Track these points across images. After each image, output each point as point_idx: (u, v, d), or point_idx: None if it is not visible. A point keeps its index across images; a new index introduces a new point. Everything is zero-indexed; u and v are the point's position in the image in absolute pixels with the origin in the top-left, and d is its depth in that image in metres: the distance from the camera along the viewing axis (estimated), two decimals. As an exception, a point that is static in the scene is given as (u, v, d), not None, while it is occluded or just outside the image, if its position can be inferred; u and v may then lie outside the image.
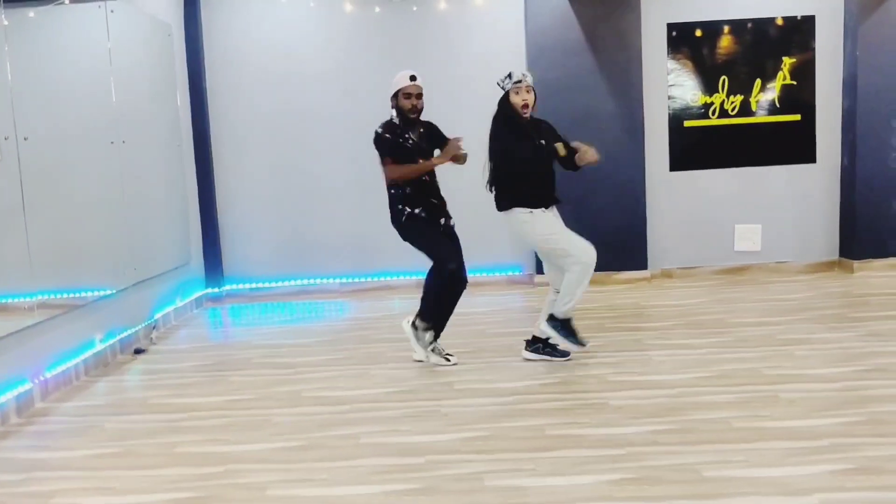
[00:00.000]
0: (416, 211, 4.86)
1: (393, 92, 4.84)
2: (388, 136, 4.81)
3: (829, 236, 7.43)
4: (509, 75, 4.64)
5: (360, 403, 4.25)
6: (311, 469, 3.41)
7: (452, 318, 5.01)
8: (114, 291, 5.45)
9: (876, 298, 6.19)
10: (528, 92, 4.63)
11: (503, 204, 4.72)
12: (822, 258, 7.42)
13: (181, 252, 6.73)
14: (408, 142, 4.83)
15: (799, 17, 7.20)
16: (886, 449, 3.33)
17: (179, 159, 6.78)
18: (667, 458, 3.36)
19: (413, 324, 4.96)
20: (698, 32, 7.23)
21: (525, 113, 4.63)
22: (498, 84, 4.68)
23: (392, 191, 4.89)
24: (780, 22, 7.20)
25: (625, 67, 7.10)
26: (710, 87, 7.28)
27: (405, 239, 4.92)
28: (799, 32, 7.22)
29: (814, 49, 7.23)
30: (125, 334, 5.62)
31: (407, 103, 4.78)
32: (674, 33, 7.24)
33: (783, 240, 7.41)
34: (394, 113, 4.87)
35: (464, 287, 4.88)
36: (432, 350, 4.93)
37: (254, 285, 7.47)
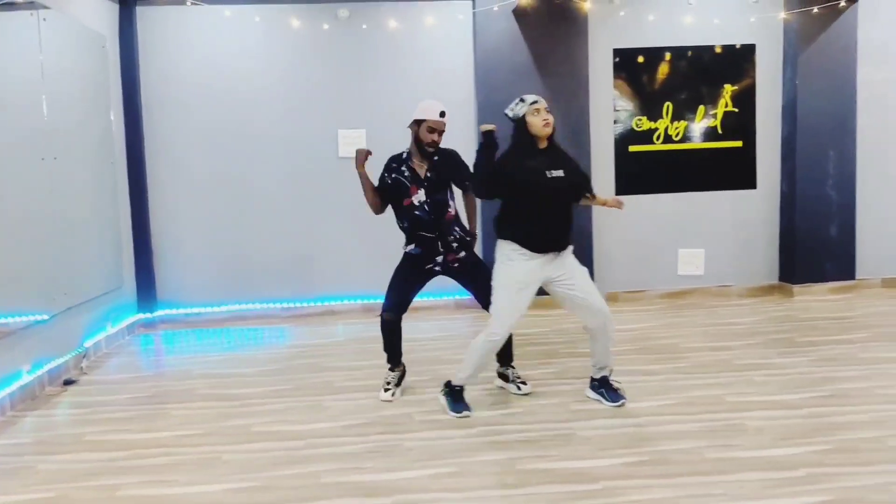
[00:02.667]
0: (409, 248, 4.68)
1: (416, 119, 4.56)
2: (382, 169, 4.70)
3: (770, 261, 7.54)
4: (521, 100, 4.24)
5: (316, 438, 4.03)
6: (269, 513, 3.18)
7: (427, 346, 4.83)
8: (45, 318, 5.07)
9: (821, 323, 6.27)
10: (548, 111, 4.22)
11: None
12: (762, 282, 7.53)
13: (113, 275, 6.35)
14: (402, 174, 4.61)
15: (738, 46, 7.33)
16: (864, 479, 3.30)
17: (112, 177, 6.41)
18: (644, 492, 3.25)
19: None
20: (643, 59, 7.28)
21: (547, 131, 4.20)
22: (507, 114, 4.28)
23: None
24: (718, 50, 7.31)
25: (572, 91, 7.08)
26: (655, 113, 7.33)
27: None
28: (741, 60, 7.35)
29: (754, 77, 7.36)
30: (54, 364, 5.23)
31: (428, 137, 4.53)
32: (619, 59, 7.27)
33: (725, 264, 7.48)
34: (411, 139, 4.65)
35: (392, 327, 4.69)
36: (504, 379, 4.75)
37: (189, 310, 7.10)
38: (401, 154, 4.71)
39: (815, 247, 7.29)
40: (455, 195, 4.75)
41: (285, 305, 7.18)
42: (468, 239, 4.75)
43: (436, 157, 4.62)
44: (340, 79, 7.04)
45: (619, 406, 4.35)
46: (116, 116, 6.63)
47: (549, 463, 3.59)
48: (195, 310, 7.10)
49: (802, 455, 3.57)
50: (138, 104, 6.86)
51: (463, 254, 4.69)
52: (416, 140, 4.61)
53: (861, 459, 3.51)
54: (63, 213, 5.42)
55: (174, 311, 7.08)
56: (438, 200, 4.60)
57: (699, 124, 7.37)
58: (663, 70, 7.31)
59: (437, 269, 4.70)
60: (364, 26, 6.92)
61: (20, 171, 5.00)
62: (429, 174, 4.59)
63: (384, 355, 4.79)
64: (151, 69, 6.90)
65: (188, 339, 6.62)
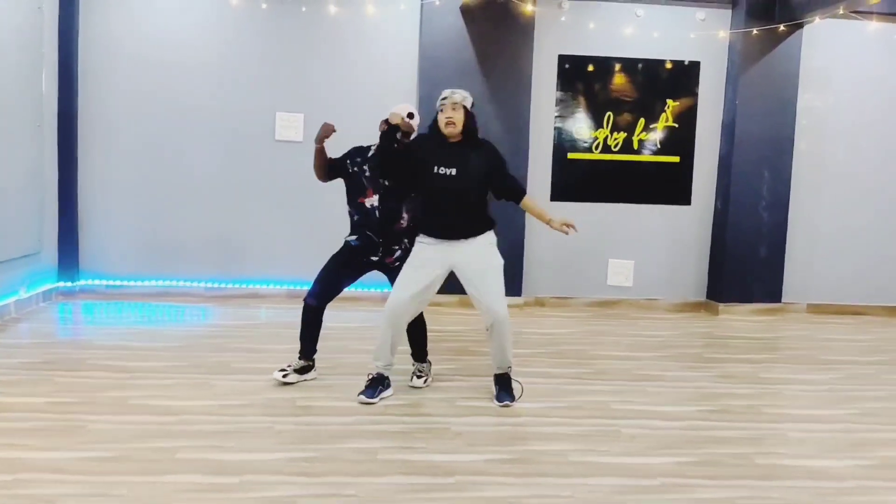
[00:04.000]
0: (350, 238, 4.60)
1: (384, 122, 4.41)
2: (345, 152, 4.59)
3: (699, 278, 7.58)
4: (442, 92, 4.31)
5: (190, 415, 3.98)
6: (110, 483, 3.13)
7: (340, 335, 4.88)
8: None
9: (735, 341, 6.32)
10: (453, 109, 4.23)
11: None
12: (690, 298, 7.57)
13: (30, 240, 6.27)
14: (363, 173, 4.53)
15: (686, 63, 7.36)
16: (715, 491, 3.32)
17: (38, 140, 6.33)
18: (493, 489, 3.24)
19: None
20: (587, 67, 7.29)
21: (448, 130, 4.25)
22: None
23: None
24: (669, 66, 7.34)
25: (513, 93, 7.09)
26: (595, 122, 7.35)
27: None
28: (685, 76, 7.38)
29: (697, 94, 7.40)
30: (-50, 324, 5.16)
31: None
32: (566, 65, 7.28)
33: (654, 277, 7.51)
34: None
35: (315, 315, 4.61)
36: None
37: (112, 282, 7.02)
38: (367, 148, 4.57)
39: (743, 267, 7.34)
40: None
41: (210, 285, 7.12)
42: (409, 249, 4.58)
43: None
44: (280, 61, 6.99)
45: (502, 406, 4.33)
46: (50, 79, 6.55)
47: (410, 454, 3.57)
48: (118, 282, 7.03)
49: (664, 465, 3.58)
50: (74, 69, 6.77)
51: (400, 254, 4.58)
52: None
53: (720, 473, 3.52)
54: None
55: (96, 282, 7.00)
56: (391, 209, 4.51)
57: (639, 136, 7.39)
58: (607, 80, 7.33)
59: (374, 265, 4.63)
60: (303, 9, 6.87)
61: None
62: (387, 181, 4.47)
63: (294, 342, 4.67)
64: (90, 35, 6.82)
65: (106, 310, 6.54)
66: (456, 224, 4.29)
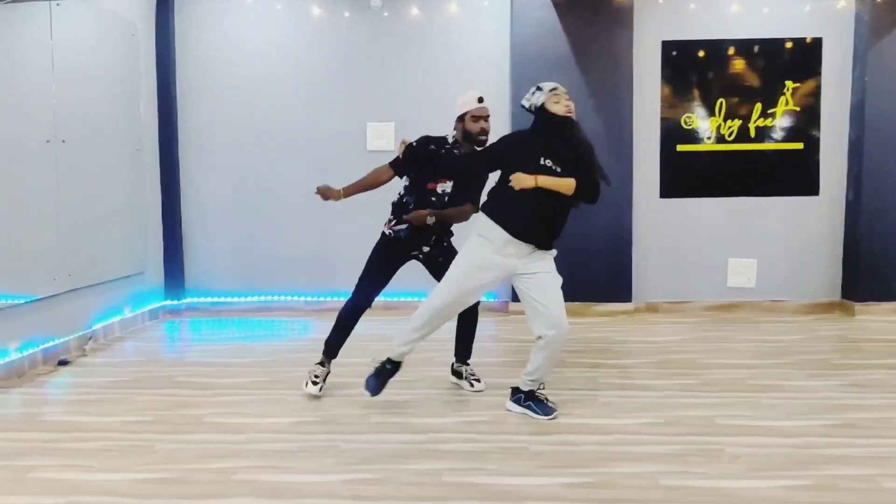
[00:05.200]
0: (398, 228, 4.47)
1: (459, 115, 4.39)
2: (414, 143, 4.36)
3: (831, 276, 6.85)
4: (538, 87, 4.01)
5: (259, 433, 3.84)
6: (158, 507, 3.01)
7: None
8: (35, 297, 5.12)
9: (870, 345, 5.62)
10: (569, 98, 4.00)
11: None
12: (821, 298, 6.85)
13: (133, 261, 6.41)
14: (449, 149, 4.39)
15: (804, 40, 6.69)
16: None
17: (138, 165, 6.48)
18: (564, 518, 2.89)
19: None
20: (694, 52, 6.76)
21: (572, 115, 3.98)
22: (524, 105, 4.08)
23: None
24: (789, 45, 6.69)
25: (614, 85, 6.66)
26: (706, 111, 6.80)
27: None
28: (805, 56, 6.72)
29: (820, 74, 6.71)
30: (51, 343, 5.29)
31: (476, 127, 4.32)
32: (672, 52, 6.78)
33: (780, 277, 6.85)
34: (453, 135, 4.43)
35: (354, 315, 4.59)
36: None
37: (216, 299, 7.12)
38: (443, 137, 4.45)
39: (882, 262, 6.56)
40: None
41: (308, 298, 7.08)
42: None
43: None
44: (367, 70, 6.88)
45: (552, 418, 4.00)
46: (150, 106, 6.71)
47: (480, 477, 3.27)
48: (222, 299, 7.11)
49: (769, 490, 3.11)
50: (173, 95, 6.92)
51: (445, 244, 4.54)
52: (466, 135, 4.37)
53: (838, 500, 3.01)
54: (72, 197, 5.48)
55: (201, 300, 7.11)
56: (459, 198, 4.40)
57: (756, 123, 6.78)
58: (716, 64, 6.76)
59: (420, 256, 4.53)
60: (385, 14, 6.72)
61: (24, 153, 5.07)
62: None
63: (377, 355, 4.43)
64: (187, 60, 6.95)
65: (210, 327, 6.61)
66: (545, 227, 3.97)
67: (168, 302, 7.02)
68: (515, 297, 6.60)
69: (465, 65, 6.81)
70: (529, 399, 4.10)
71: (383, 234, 4.55)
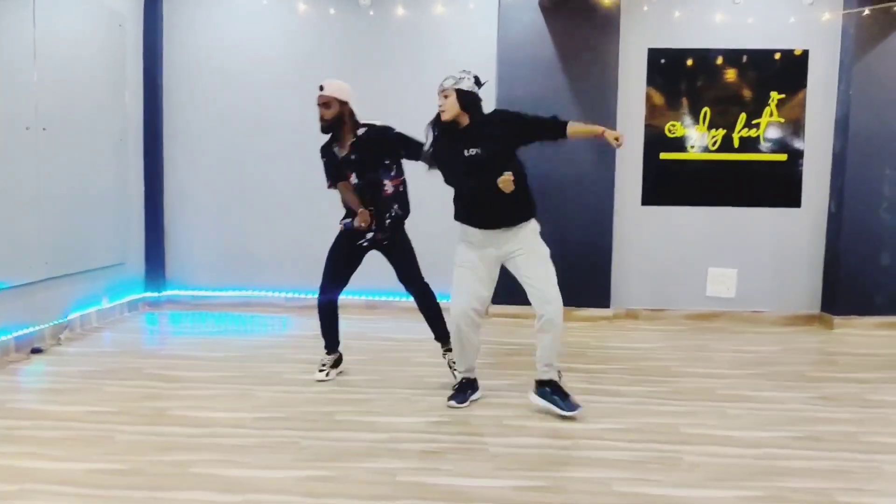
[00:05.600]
0: (345, 221, 4.66)
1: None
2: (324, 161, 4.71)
3: (811, 288, 6.85)
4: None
5: (220, 427, 3.84)
6: (112, 498, 3.01)
7: (381, 346, 4.96)
8: (9, 285, 5.11)
9: (846, 358, 5.62)
10: (445, 97, 4.10)
11: None
12: (801, 311, 6.85)
13: (114, 251, 6.41)
14: (334, 161, 4.68)
15: (794, 52, 6.69)
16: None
17: (123, 155, 6.49)
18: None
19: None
20: (685, 60, 6.76)
21: (443, 118, 4.11)
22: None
23: None
24: (777, 56, 6.69)
25: (599, 91, 6.66)
26: (690, 119, 6.80)
27: None
28: (790, 67, 6.72)
29: (805, 86, 6.71)
30: (25, 331, 5.29)
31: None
32: (660, 60, 6.78)
33: (760, 288, 6.85)
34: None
35: (329, 308, 4.82)
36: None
37: (197, 293, 7.11)
38: (328, 142, 4.72)
39: (862, 275, 6.56)
40: (401, 170, 4.68)
41: (289, 295, 7.08)
42: (402, 215, 4.69)
43: (356, 139, 4.58)
44: (353, 67, 6.85)
45: (572, 416, 4.04)
46: (135, 96, 6.71)
47: (431, 477, 3.27)
48: (203, 293, 7.11)
49: (722, 499, 3.11)
50: (159, 85, 6.92)
51: (388, 232, 4.64)
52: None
53: (787, 512, 3.02)
54: (52, 184, 5.48)
55: (182, 293, 7.10)
56: (370, 180, 4.56)
57: (739, 134, 6.78)
58: (701, 73, 6.77)
59: (365, 244, 4.66)
60: (371, 13, 6.73)
61: (3, 140, 5.07)
62: (352, 156, 4.56)
63: (360, 353, 4.85)
64: (174, 52, 6.95)
65: (189, 320, 6.61)
66: (500, 207, 4.05)
67: (148, 294, 7.01)
68: (494, 299, 6.67)
69: (451, 64, 6.67)
70: (556, 393, 4.14)
71: (341, 231, 4.72)
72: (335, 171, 4.63)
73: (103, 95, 6.19)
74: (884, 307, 6.60)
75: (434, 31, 6.83)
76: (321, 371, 4.72)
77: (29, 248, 5.31)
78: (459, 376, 4.39)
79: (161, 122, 6.96)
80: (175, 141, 7.02)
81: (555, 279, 4.11)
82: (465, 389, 4.32)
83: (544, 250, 4.16)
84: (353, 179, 4.58)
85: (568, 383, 4.71)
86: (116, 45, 6.35)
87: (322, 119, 4.57)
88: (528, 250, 4.11)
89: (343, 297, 6.86)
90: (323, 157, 4.71)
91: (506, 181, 3.87)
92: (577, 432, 3.88)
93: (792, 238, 6.83)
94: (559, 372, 4.22)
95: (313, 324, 6.37)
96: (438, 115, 4.13)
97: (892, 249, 6.55)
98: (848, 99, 6.51)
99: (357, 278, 6.87)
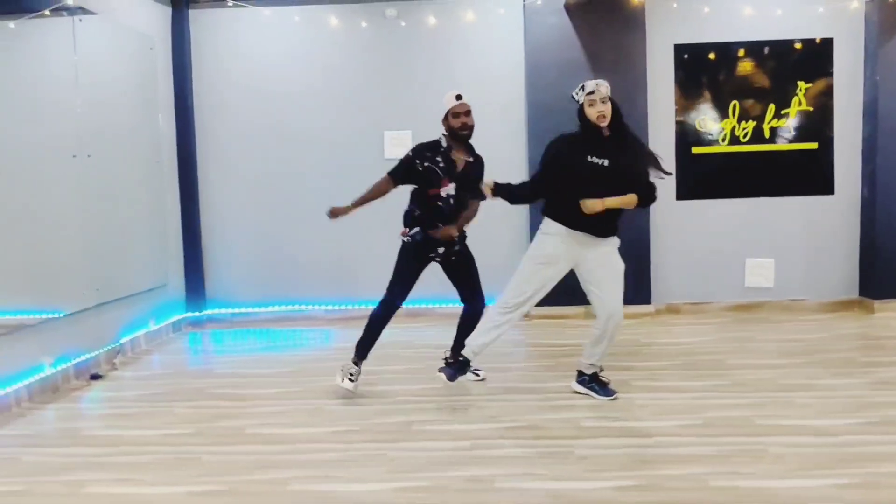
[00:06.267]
0: (414, 232, 4.66)
1: (444, 114, 4.63)
2: (410, 154, 4.67)
3: (848, 273, 6.90)
4: (581, 87, 4.22)
5: (302, 444, 3.88)
6: (217, 519, 3.04)
7: (431, 353, 4.94)
8: (66, 312, 5.14)
9: (893, 342, 5.67)
10: (603, 103, 4.16)
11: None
12: (839, 297, 6.89)
13: (156, 273, 6.44)
14: (437, 164, 4.60)
15: (818, 40, 6.75)
16: (878, 520, 2.87)
17: (159, 177, 6.52)
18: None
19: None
20: (707, 55, 6.81)
21: (602, 124, 4.19)
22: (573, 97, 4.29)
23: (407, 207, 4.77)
24: (798, 46, 6.75)
25: (628, 89, 6.66)
26: (719, 113, 6.85)
27: None
28: (816, 56, 6.77)
29: (832, 73, 6.77)
30: (82, 358, 5.31)
31: (457, 122, 4.58)
32: (684, 55, 6.83)
33: (797, 276, 6.90)
34: (444, 135, 4.69)
35: (389, 316, 4.80)
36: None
37: (237, 310, 7.14)
38: (436, 142, 4.68)
39: (899, 258, 6.62)
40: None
41: (330, 307, 7.10)
42: (466, 235, 4.81)
43: (471, 158, 4.68)
44: (385, 78, 6.92)
45: (613, 399, 4.39)
46: (168, 118, 6.75)
47: (530, 482, 3.31)
48: (242, 310, 7.13)
49: (818, 488, 3.15)
50: (190, 106, 6.95)
51: (458, 248, 4.74)
52: (451, 131, 4.64)
53: (888, 498, 3.06)
54: (98, 211, 5.51)
55: (222, 311, 7.13)
56: (462, 197, 4.64)
57: (770, 124, 6.83)
58: (730, 66, 6.82)
59: (437, 258, 4.72)
60: (403, 24, 6.78)
61: (51, 168, 5.12)
62: (463, 171, 4.62)
63: (409, 362, 4.92)
64: (203, 71, 6.98)
65: (232, 338, 6.63)
66: (602, 219, 4.22)
67: (189, 314, 7.04)
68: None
69: (480, 72, 6.86)
70: (593, 381, 4.43)
71: (402, 243, 4.71)
72: (422, 176, 4.62)
73: (138, 119, 6.23)
74: (922, 289, 6.65)
75: (462, 39, 6.86)
76: (351, 380, 4.60)
77: (80, 275, 5.34)
78: (469, 356, 4.47)
79: (194, 142, 6.99)
80: (208, 160, 7.05)
81: (622, 294, 4.34)
82: (464, 367, 4.47)
83: (621, 266, 4.35)
84: (450, 190, 4.59)
85: (630, 381, 4.79)
86: (148, 68, 6.38)
87: (469, 127, 4.60)
88: (607, 263, 4.32)
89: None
90: (410, 156, 4.65)
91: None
92: (654, 430, 3.91)
93: (826, 225, 6.88)
94: (601, 368, 4.55)
95: (355, 335, 6.42)
96: (583, 124, 4.24)
97: (927, 231, 6.61)
98: (875, 84, 6.57)
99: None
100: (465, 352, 4.46)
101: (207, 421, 4.27)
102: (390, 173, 4.71)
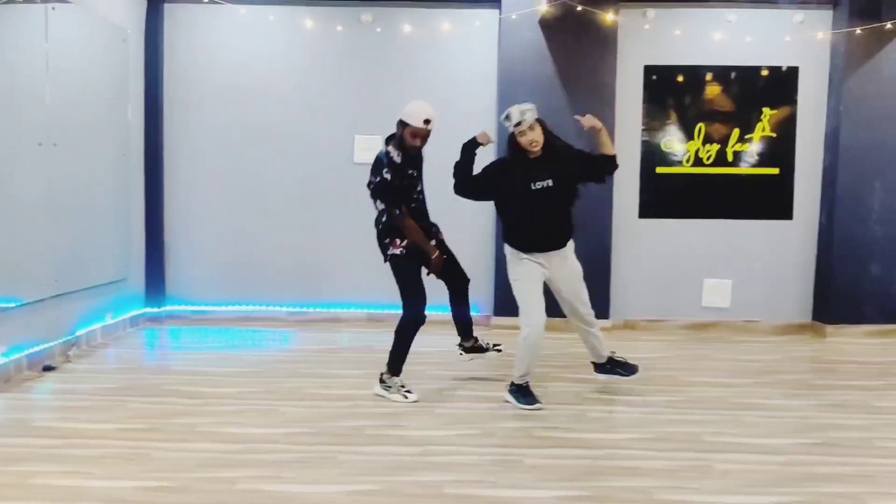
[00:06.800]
0: (403, 245, 4.61)
1: (405, 122, 4.57)
2: (399, 163, 4.56)
3: (803, 298, 7.05)
4: (507, 116, 4.45)
5: (254, 444, 3.87)
6: (164, 515, 3.03)
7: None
8: (22, 302, 5.08)
9: (845, 366, 5.80)
10: (531, 130, 4.42)
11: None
12: (794, 320, 7.03)
13: (117, 267, 6.37)
14: (410, 174, 4.67)
15: (784, 69, 6.90)
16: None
17: (125, 170, 6.46)
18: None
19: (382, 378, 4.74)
20: (678, 77, 6.93)
21: (535, 149, 4.46)
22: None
23: (383, 219, 4.68)
24: (765, 73, 6.90)
25: (597, 107, 6.69)
26: (685, 134, 6.97)
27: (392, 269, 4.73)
28: (782, 83, 6.92)
29: (796, 101, 6.92)
30: (36, 349, 5.24)
31: (411, 142, 4.56)
32: (652, 76, 6.94)
33: (754, 298, 7.02)
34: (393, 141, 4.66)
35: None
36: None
37: (197, 307, 7.08)
38: (388, 156, 4.65)
39: (853, 285, 6.77)
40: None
41: (292, 309, 7.08)
42: None
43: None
44: (358, 83, 6.94)
45: (636, 376, 4.87)
46: (136, 110, 6.70)
47: (478, 489, 3.34)
48: (203, 307, 7.08)
49: (760, 505, 3.23)
50: (160, 100, 6.91)
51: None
52: (401, 142, 4.60)
53: (826, 516, 3.14)
54: (60, 200, 5.46)
55: (182, 308, 7.07)
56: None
57: (733, 148, 6.96)
58: (697, 90, 6.94)
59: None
60: (378, 29, 6.81)
61: (16, 155, 5.05)
62: (414, 172, 4.72)
63: (367, 366, 4.94)
64: (175, 66, 6.94)
65: (190, 336, 6.58)
66: (554, 234, 4.55)
67: (149, 309, 6.97)
68: (497, 311, 6.76)
69: (453, 81, 6.91)
70: (613, 365, 4.96)
71: (396, 255, 4.63)
72: (413, 179, 4.70)
73: (106, 110, 6.18)
74: (874, 316, 6.81)
75: (437, 48, 6.90)
76: (411, 392, 4.64)
77: (39, 265, 5.28)
78: (521, 381, 4.59)
79: (162, 137, 6.95)
80: (176, 155, 7.00)
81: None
82: (528, 393, 4.58)
83: (580, 267, 4.67)
84: (420, 186, 4.74)
85: (586, 394, 4.85)
86: (119, 60, 6.34)
87: (419, 150, 4.68)
88: (573, 271, 4.66)
89: (344, 311, 7.02)
90: (401, 168, 4.60)
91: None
92: (605, 442, 3.97)
93: (784, 249, 7.02)
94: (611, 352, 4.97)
95: (316, 338, 6.48)
96: (516, 151, 4.49)
97: (881, 260, 6.77)
98: (838, 114, 6.73)
99: (358, 291, 6.98)
100: (515, 380, 4.59)
101: (161, 417, 4.25)
102: (398, 208, 4.59)
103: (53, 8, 5.32)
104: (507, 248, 4.65)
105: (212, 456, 3.67)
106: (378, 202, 4.68)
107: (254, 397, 4.68)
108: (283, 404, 4.54)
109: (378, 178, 4.60)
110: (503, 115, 4.50)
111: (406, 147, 4.56)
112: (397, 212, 4.53)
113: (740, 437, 4.11)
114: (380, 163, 4.62)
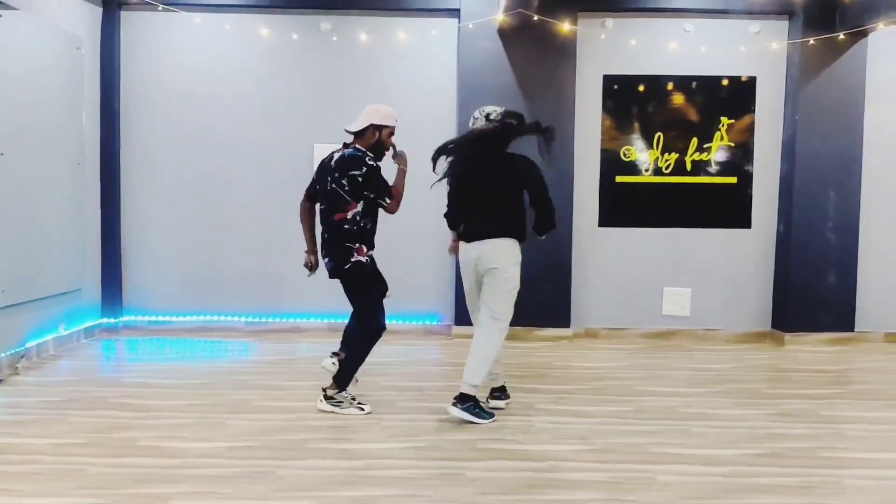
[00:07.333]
0: (368, 253, 4.59)
1: (382, 125, 4.62)
2: (376, 169, 4.57)
3: (762, 306, 7.08)
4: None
5: (194, 458, 3.81)
6: (88, 534, 2.97)
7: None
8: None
9: (799, 375, 5.82)
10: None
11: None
12: (752, 328, 7.07)
13: (70, 277, 6.28)
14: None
15: (743, 78, 6.94)
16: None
17: (79, 179, 6.37)
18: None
19: (328, 395, 4.65)
20: (638, 86, 6.95)
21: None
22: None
23: (346, 226, 4.54)
24: (725, 82, 6.94)
25: (557, 116, 6.75)
26: (645, 143, 7.00)
27: (344, 282, 4.63)
28: (740, 93, 6.97)
29: (754, 111, 6.97)
30: (-19, 362, 5.16)
31: (390, 141, 4.70)
32: (613, 86, 6.96)
33: (713, 306, 7.05)
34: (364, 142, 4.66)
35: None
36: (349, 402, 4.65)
37: (155, 318, 7.01)
38: (362, 155, 4.59)
39: (811, 293, 6.81)
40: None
41: (250, 319, 7.02)
42: None
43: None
44: (315, 92, 6.91)
45: (491, 421, 4.48)
46: (92, 119, 6.63)
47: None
48: (161, 318, 7.01)
49: (695, 518, 3.22)
50: (116, 108, 6.84)
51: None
52: (379, 144, 4.64)
53: (759, 528, 3.13)
54: (8, 209, 5.37)
55: (139, 318, 6.99)
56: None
57: (692, 157, 6.99)
58: (655, 99, 6.97)
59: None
60: (334, 38, 6.79)
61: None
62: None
63: (323, 377, 4.78)
64: (132, 74, 6.88)
65: (146, 347, 6.50)
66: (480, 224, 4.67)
67: (104, 320, 6.89)
68: (458, 321, 6.73)
69: (412, 89, 6.89)
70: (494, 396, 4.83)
71: (361, 262, 4.56)
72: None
73: (60, 118, 6.09)
74: (830, 324, 6.86)
75: (394, 57, 6.89)
76: (362, 406, 4.61)
77: (-15, 276, 5.19)
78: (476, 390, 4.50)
79: (118, 145, 6.87)
80: (132, 164, 6.93)
81: (505, 297, 4.63)
82: (479, 404, 4.53)
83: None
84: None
85: (535, 404, 4.83)
86: (74, 68, 6.26)
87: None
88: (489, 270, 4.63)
89: (304, 321, 6.97)
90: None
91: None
92: (549, 454, 3.95)
93: (743, 258, 7.06)
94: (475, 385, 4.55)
95: (274, 348, 6.44)
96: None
97: (838, 268, 6.82)
98: (794, 124, 6.78)
99: (318, 300, 6.92)
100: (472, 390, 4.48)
101: (101, 431, 4.18)
102: (389, 199, 4.60)
103: (1, 15, 5.24)
104: (518, 247, 4.69)
105: (148, 471, 3.62)
106: (354, 203, 4.53)
107: (200, 410, 4.62)
108: (230, 417, 4.48)
109: (359, 173, 4.49)
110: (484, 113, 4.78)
111: (382, 150, 4.66)
112: (388, 199, 4.58)
113: (685, 447, 4.11)
114: (353, 160, 4.53)
